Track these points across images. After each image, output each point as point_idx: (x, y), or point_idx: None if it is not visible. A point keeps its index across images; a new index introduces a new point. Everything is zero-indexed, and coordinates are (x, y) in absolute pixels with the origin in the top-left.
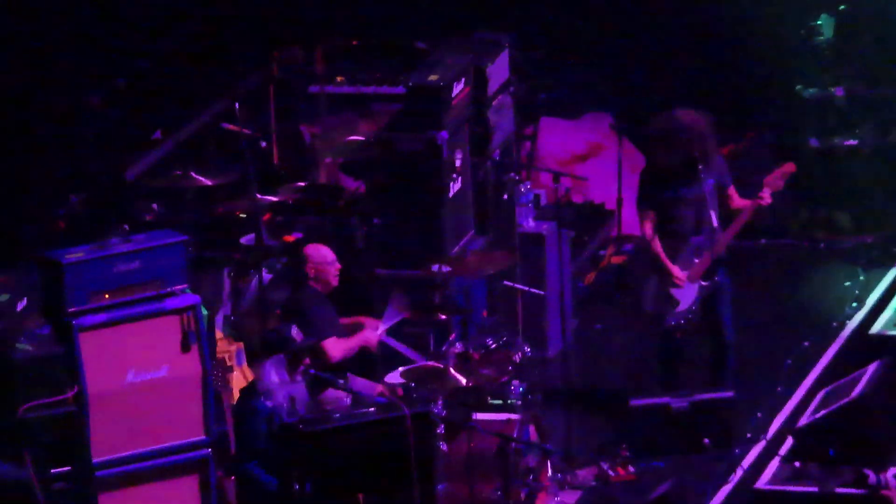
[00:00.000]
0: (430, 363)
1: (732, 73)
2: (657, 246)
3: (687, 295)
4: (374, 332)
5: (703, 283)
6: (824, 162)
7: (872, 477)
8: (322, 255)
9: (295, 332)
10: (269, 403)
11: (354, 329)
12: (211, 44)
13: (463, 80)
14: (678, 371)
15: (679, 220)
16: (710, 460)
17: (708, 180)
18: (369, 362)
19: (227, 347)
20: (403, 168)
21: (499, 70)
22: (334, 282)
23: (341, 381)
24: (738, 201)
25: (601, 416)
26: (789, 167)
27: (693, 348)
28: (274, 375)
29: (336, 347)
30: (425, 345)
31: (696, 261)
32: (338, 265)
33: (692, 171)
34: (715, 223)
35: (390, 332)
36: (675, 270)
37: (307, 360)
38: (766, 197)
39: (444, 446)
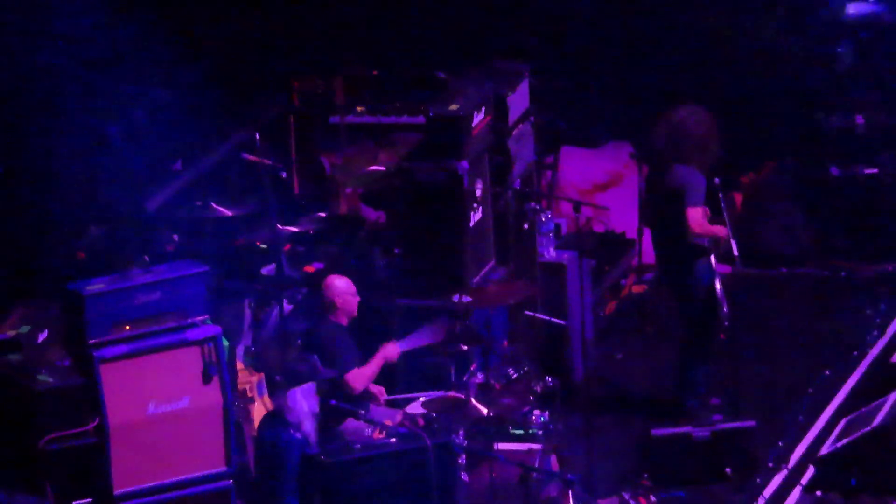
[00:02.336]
0: (452, 393)
1: (753, 103)
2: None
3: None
4: (393, 346)
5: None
6: (845, 190)
7: None
8: (348, 285)
9: (317, 363)
10: (298, 435)
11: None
12: (231, 75)
13: (483, 109)
14: None
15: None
16: (732, 490)
17: None
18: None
19: (248, 378)
20: (424, 198)
21: (519, 99)
22: (355, 313)
23: (362, 412)
24: None
25: (623, 445)
26: None
27: None
28: (304, 404)
29: (359, 378)
30: (446, 375)
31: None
32: (357, 297)
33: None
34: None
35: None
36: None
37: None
38: None
39: (465, 476)
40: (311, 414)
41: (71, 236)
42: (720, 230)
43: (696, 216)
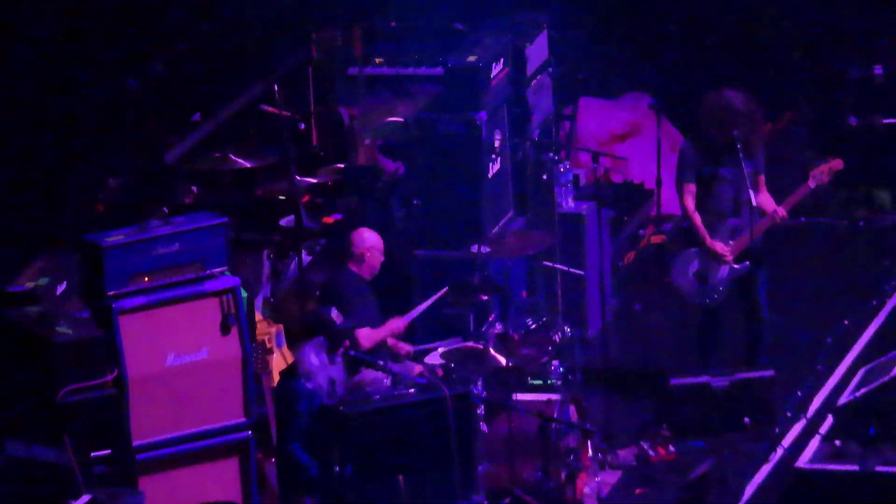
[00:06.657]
0: (471, 344)
1: (772, 52)
2: (697, 220)
3: (717, 274)
4: (401, 320)
5: (735, 266)
6: (863, 140)
7: None
8: (378, 241)
9: (335, 314)
10: (309, 385)
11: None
12: (250, 26)
13: (502, 60)
14: (715, 349)
15: (718, 198)
16: (751, 439)
17: (747, 163)
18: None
19: (266, 329)
20: (443, 149)
21: (538, 50)
22: (377, 270)
23: (381, 363)
24: (763, 194)
25: (641, 395)
26: (837, 164)
27: (730, 329)
28: (314, 358)
29: (368, 337)
30: (465, 325)
31: (731, 242)
32: (384, 256)
33: (733, 152)
34: (755, 202)
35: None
36: (718, 246)
37: (346, 342)
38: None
39: (484, 427)
40: (322, 367)
41: (90, 189)
42: (696, 222)
43: (680, 194)
